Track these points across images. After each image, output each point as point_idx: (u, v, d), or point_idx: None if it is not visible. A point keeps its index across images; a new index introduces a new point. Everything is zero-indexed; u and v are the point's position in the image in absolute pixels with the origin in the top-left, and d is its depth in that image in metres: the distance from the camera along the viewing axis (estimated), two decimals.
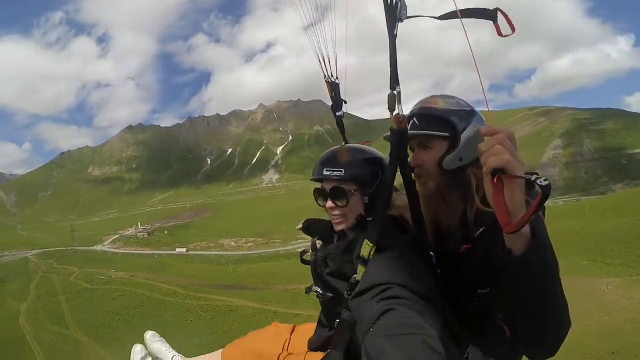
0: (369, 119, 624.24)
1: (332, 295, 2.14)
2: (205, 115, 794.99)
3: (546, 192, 1.20)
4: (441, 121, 1.87)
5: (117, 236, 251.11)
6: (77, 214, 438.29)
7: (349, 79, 2.25)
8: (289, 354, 2.38)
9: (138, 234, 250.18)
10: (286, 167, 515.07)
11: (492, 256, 1.42)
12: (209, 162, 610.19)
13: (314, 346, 2.26)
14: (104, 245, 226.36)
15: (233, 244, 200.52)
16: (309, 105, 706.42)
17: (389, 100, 1.66)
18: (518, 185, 1.28)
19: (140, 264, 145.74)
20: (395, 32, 1.62)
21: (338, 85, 2.33)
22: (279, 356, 2.41)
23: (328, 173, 2.14)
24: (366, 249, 1.76)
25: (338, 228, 2.20)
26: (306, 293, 2.39)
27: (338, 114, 2.44)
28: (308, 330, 2.49)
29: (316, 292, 2.27)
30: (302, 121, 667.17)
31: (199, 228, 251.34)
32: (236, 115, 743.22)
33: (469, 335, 1.76)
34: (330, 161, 2.18)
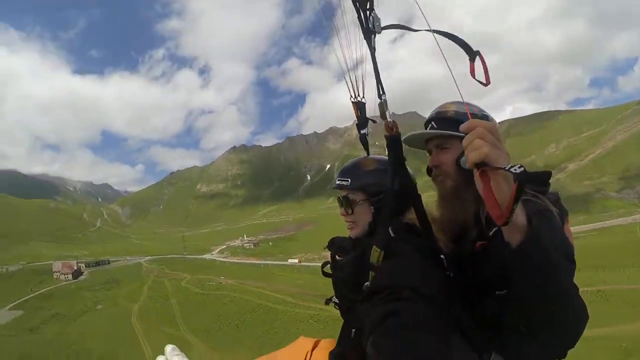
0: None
1: (348, 304, 2.16)
2: (303, 133, 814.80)
3: (519, 178, 1.20)
4: (457, 123, 1.85)
5: (224, 246, 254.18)
6: (187, 226, 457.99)
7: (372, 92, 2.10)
8: None
9: (244, 245, 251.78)
10: None
11: (505, 254, 1.42)
12: (309, 178, 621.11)
13: (333, 355, 2.16)
14: (212, 254, 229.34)
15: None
16: (402, 117, 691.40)
17: (379, 107, 1.67)
18: (501, 177, 1.28)
19: (248, 272, 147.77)
20: (372, 44, 1.64)
21: (364, 104, 2.24)
22: None
23: (339, 182, 2.26)
24: (375, 254, 1.78)
25: (351, 234, 2.29)
26: (325, 304, 2.39)
27: (362, 131, 2.36)
28: (331, 344, 2.37)
29: (335, 302, 2.29)
30: None
31: (301, 240, 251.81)
32: (333, 132, 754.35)
33: (488, 339, 1.73)
34: (343, 170, 2.28)
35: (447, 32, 1.68)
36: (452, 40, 1.68)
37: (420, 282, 1.51)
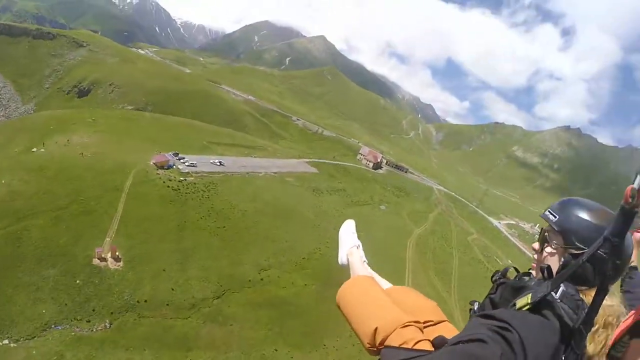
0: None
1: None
2: None
3: None
4: None
5: (513, 222, 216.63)
6: (485, 178, 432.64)
7: None
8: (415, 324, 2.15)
9: (532, 231, 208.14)
10: None
11: None
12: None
13: (436, 340, 2.05)
14: (499, 223, 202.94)
15: None
16: None
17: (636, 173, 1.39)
18: None
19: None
20: None
21: None
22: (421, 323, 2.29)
23: (547, 213, 2.10)
24: (523, 301, 1.66)
25: (532, 272, 2.14)
26: (470, 303, 2.35)
27: None
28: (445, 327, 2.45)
29: (472, 305, 2.26)
30: None
31: None
32: None
33: None
34: (560, 203, 2.11)
35: None
36: None
37: (533, 346, 1.38)
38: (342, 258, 3.30)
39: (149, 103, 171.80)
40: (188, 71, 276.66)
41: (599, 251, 1.60)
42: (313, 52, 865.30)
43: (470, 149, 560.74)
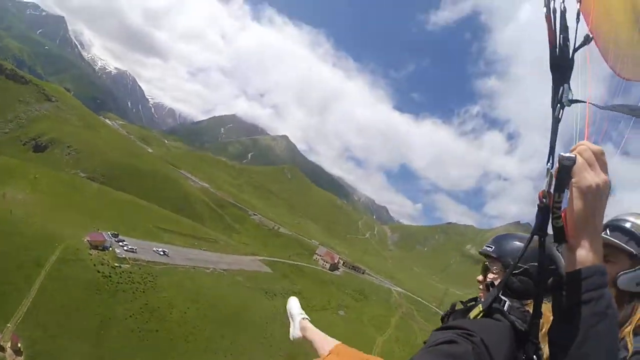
0: None
1: None
2: None
3: (562, 162, 1.24)
4: (632, 237, 1.78)
5: None
6: (442, 278, 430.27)
7: None
8: None
9: None
10: None
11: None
12: None
13: None
14: None
15: None
16: None
17: (546, 174, 1.61)
18: (585, 195, 1.28)
19: None
20: (558, 115, 1.60)
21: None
22: None
23: (484, 248, 2.35)
24: (475, 311, 1.83)
25: (481, 300, 2.26)
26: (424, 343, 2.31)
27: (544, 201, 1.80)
28: None
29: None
30: None
31: None
32: None
33: None
34: (494, 238, 2.37)
35: None
36: None
37: (494, 345, 1.49)
38: (296, 332, 3.45)
39: (103, 174, 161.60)
40: (150, 150, 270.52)
41: (526, 249, 1.78)
42: (275, 150, 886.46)
43: (425, 249, 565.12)
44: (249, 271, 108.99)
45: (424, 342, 2.11)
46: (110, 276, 70.29)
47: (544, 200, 1.58)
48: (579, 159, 1.31)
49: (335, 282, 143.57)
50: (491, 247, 2.28)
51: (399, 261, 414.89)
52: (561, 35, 1.54)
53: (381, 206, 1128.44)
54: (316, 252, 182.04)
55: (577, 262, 1.33)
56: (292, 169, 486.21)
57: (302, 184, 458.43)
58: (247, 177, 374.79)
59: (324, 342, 3.04)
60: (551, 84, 1.62)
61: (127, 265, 76.90)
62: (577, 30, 1.55)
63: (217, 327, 72.22)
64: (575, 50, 1.57)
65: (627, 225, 1.93)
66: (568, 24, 1.53)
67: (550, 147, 1.59)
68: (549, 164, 1.57)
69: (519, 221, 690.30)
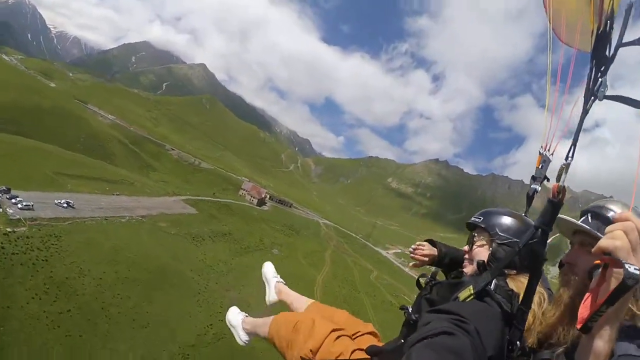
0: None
1: (415, 317, 2.31)
2: (509, 177, 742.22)
3: (627, 276, 1.12)
4: None
5: (399, 251, 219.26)
6: (365, 210, 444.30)
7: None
8: (345, 335, 2.56)
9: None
10: None
11: None
12: None
13: (369, 349, 2.40)
14: (388, 253, 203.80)
15: None
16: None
17: (560, 169, 1.62)
18: (616, 279, 1.19)
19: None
20: (588, 107, 1.55)
21: (549, 161, 1.97)
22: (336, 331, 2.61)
23: (472, 219, 2.46)
24: (466, 293, 1.85)
25: (464, 271, 2.42)
26: (400, 309, 2.54)
27: (533, 186, 2.09)
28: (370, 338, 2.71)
29: (405, 310, 2.43)
30: None
31: None
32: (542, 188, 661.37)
33: None
34: (483, 211, 2.48)
35: None
36: None
37: (486, 333, 1.50)
38: (272, 296, 3.73)
39: None
40: (53, 85, 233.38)
41: (531, 240, 1.81)
42: (192, 80, 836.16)
43: (349, 182, 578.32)
44: (171, 215, 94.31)
45: (403, 309, 2.42)
46: (2, 247, 52.91)
47: (558, 195, 1.59)
48: (626, 246, 1.20)
49: (265, 218, 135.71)
50: (480, 218, 2.38)
51: (324, 193, 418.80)
52: (607, 20, 1.49)
53: (304, 139, 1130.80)
54: (242, 187, 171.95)
55: (596, 354, 1.28)
56: (210, 99, 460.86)
57: (222, 115, 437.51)
58: (162, 109, 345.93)
59: (300, 302, 3.23)
60: (588, 72, 1.55)
61: (23, 228, 59.24)
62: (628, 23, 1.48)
63: (142, 290, 58.87)
64: (622, 45, 1.51)
65: (609, 214, 1.86)
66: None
67: (574, 141, 1.56)
68: (569, 158, 1.55)
69: (437, 158, 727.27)
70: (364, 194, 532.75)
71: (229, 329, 3.61)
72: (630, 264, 1.10)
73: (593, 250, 1.24)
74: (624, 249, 1.15)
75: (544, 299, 1.98)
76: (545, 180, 1.98)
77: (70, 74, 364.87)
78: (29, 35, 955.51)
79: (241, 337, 3.46)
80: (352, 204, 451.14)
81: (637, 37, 1.36)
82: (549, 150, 1.84)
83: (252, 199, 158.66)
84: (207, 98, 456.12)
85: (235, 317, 3.58)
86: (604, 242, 1.20)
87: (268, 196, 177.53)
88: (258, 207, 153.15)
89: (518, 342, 1.73)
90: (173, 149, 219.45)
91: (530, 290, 1.76)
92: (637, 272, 1.08)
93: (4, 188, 68.96)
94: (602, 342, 1.25)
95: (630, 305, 1.53)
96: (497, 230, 2.26)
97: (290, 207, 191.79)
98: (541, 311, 1.93)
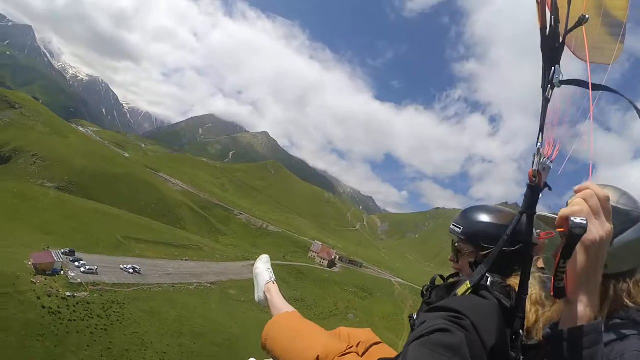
0: None
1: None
2: None
3: (573, 230, 1.17)
4: None
5: None
6: (436, 264, 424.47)
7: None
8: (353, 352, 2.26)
9: None
10: None
11: None
12: None
13: None
14: None
15: None
16: None
17: (534, 155, 1.64)
18: (588, 249, 1.23)
19: None
20: (547, 96, 1.59)
21: (550, 168, 1.76)
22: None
23: (452, 226, 2.31)
24: (463, 288, 1.82)
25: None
26: (408, 318, 2.41)
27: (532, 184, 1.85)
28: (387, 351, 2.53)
29: (410, 318, 2.33)
30: None
31: None
32: None
33: None
34: (461, 215, 2.32)
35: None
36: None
37: (484, 326, 1.51)
38: (259, 295, 3.34)
39: (73, 183, 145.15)
40: (127, 155, 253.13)
41: (513, 228, 1.84)
42: (256, 147, 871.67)
43: (416, 236, 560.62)
44: (241, 281, 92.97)
45: (409, 318, 2.28)
46: (59, 311, 51.52)
47: (534, 179, 1.59)
48: (585, 209, 1.26)
49: (336, 281, 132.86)
50: (460, 227, 2.24)
51: (392, 250, 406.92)
52: (552, 16, 1.54)
53: (367, 196, 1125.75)
54: (311, 248, 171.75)
55: (576, 318, 1.32)
56: (274, 164, 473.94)
57: (286, 179, 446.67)
58: (229, 176, 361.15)
59: (281, 308, 2.90)
60: (541, 65, 1.61)
61: (84, 293, 58.47)
62: (570, 11, 1.54)
63: None
64: (568, 31, 1.57)
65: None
66: (559, 5, 1.50)
67: (540, 128, 1.59)
68: (539, 144, 1.57)
69: (506, 202, 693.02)
70: (432, 247, 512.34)
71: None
72: (577, 217, 1.17)
73: (556, 222, 1.30)
74: (583, 213, 1.21)
75: (541, 297, 1.96)
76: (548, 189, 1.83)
77: (143, 145, 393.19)
78: (104, 110, 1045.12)
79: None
80: (421, 259, 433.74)
81: (576, 23, 1.44)
82: (548, 158, 1.74)
83: (322, 260, 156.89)
84: (271, 163, 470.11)
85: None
86: (564, 210, 1.27)
87: (338, 257, 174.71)
88: (328, 269, 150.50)
89: (521, 331, 1.72)
90: (241, 213, 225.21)
91: (524, 276, 1.74)
92: (584, 221, 1.15)
93: (68, 250, 70.27)
94: (581, 306, 1.30)
95: None
96: (481, 242, 2.16)
97: (360, 267, 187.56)
98: (539, 308, 1.93)
